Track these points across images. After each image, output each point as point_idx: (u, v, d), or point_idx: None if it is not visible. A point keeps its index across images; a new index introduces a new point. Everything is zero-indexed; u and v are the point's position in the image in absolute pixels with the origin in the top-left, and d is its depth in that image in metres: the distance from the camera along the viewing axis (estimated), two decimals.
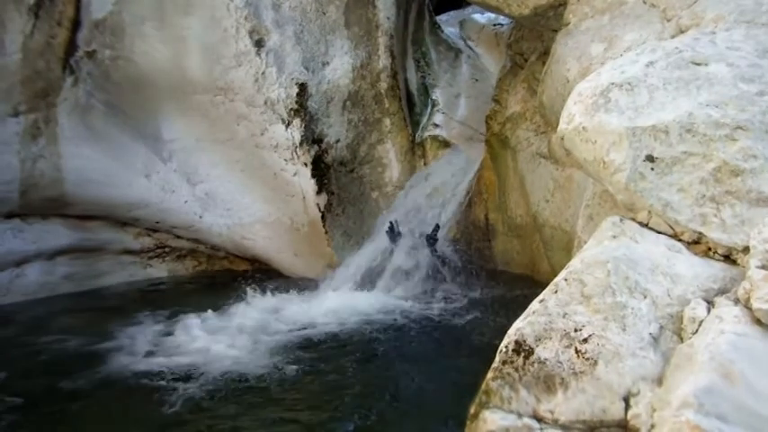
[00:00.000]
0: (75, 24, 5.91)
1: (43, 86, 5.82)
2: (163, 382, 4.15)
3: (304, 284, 6.47)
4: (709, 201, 2.25)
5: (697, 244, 2.25)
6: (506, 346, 2.09)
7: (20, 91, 5.69)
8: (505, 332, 2.19)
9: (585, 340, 1.99)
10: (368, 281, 6.43)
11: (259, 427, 3.63)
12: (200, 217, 6.79)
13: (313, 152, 6.67)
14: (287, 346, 4.85)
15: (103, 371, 4.38)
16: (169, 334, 5.14)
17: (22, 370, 4.50)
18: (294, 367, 4.39)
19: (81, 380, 4.23)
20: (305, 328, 5.25)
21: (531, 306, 2.21)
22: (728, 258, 2.18)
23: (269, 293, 6.01)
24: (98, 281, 6.76)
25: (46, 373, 4.42)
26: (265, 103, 6.40)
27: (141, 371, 4.35)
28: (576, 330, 2.03)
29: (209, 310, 5.55)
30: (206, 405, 3.83)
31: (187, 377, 4.22)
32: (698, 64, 2.62)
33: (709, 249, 2.22)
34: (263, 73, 6.34)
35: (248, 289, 5.92)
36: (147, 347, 4.83)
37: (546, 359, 2.00)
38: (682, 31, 3.37)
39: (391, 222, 6.73)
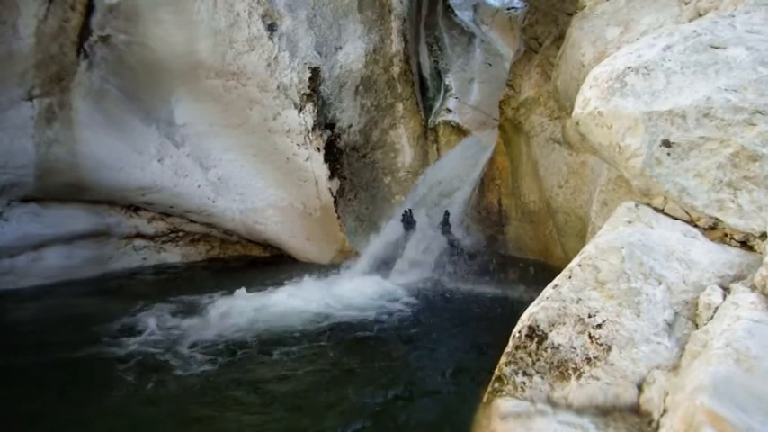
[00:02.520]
0: (89, 9, 5.91)
1: (57, 71, 5.84)
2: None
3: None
4: (727, 186, 2.23)
5: (713, 230, 2.23)
6: (519, 331, 2.09)
7: (33, 75, 5.71)
8: (518, 317, 2.19)
9: (599, 326, 1.98)
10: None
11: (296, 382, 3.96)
12: (213, 201, 6.82)
13: (325, 137, 6.67)
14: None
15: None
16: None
17: (39, 350, 4.56)
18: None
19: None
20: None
21: (544, 291, 2.20)
22: (745, 244, 2.15)
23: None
24: (111, 265, 6.82)
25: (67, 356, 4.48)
26: (278, 87, 6.39)
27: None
28: (589, 316, 2.02)
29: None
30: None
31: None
32: (716, 48, 2.58)
33: (726, 235, 2.20)
34: (275, 57, 6.32)
35: None
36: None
37: (559, 344, 2.00)
38: (700, 15, 3.32)
39: (406, 211, 6.74)
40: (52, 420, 3.47)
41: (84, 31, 5.96)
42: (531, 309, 2.13)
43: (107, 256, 6.80)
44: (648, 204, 2.41)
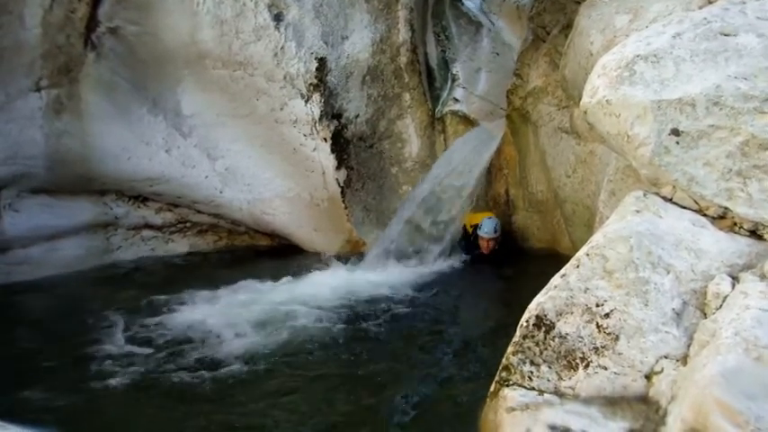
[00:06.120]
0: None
1: (65, 61, 5.84)
2: None
3: None
4: (736, 175, 2.21)
5: (722, 219, 2.22)
6: (527, 321, 2.09)
7: (41, 66, 5.71)
8: (525, 306, 2.19)
9: (607, 315, 1.98)
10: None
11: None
12: (221, 192, 6.83)
13: (332, 127, 6.65)
14: None
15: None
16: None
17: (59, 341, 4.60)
18: None
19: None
20: None
21: (552, 281, 2.20)
22: (754, 233, 2.15)
23: None
24: (120, 255, 6.85)
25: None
26: (285, 77, 6.37)
27: None
28: (597, 305, 2.02)
29: None
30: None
31: None
32: (727, 35, 2.56)
33: (735, 224, 2.19)
34: (282, 47, 6.30)
35: None
36: None
37: (567, 334, 2.01)
38: (710, 2, 3.28)
39: None
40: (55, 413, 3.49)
41: (92, 22, 5.95)
42: (539, 298, 2.14)
43: (115, 246, 6.83)
44: (657, 194, 2.40)
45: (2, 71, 5.53)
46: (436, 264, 6.46)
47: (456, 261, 6.53)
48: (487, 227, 6.41)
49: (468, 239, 6.64)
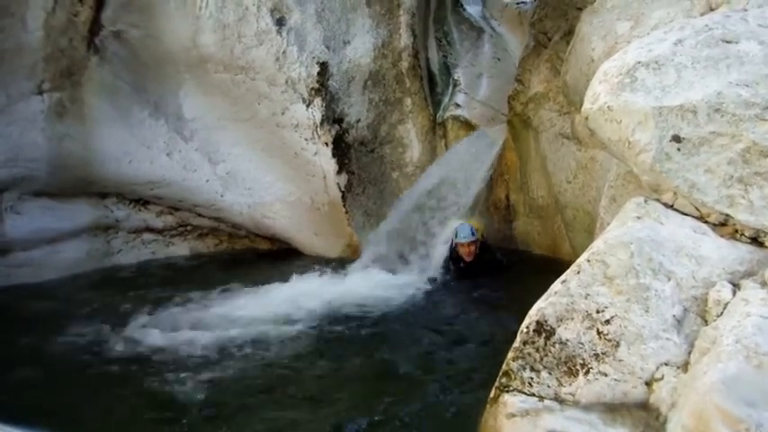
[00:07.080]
0: (100, 3, 5.91)
1: (67, 65, 5.85)
2: None
3: None
4: (737, 182, 2.21)
5: (723, 226, 2.22)
6: (528, 327, 2.09)
7: (43, 68, 5.72)
8: (525, 312, 2.18)
9: (608, 321, 1.98)
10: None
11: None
12: (222, 196, 6.83)
13: (334, 132, 6.65)
14: None
15: None
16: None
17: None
18: None
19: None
20: None
21: (552, 286, 2.20)
22: (756, 241, 2.14)
23: None
24: (120, 258, 6.85)
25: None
26: (286, 82, 6.38)
27: None
28: (598, 311, 2.02)
29: None
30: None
31: None
32: (728, 42, 2.56)
33: (736, 231, 2.19)
34: (284, 52, 6.31)
35: None
36: None
37: (567, 340, 2.00)
38: (712, 9, 3.29)
39: None
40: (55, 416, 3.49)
41: (95, 25, 5.97)
42: (540, 304, 2.13)
43: (116, 249, 6.83)
44: (658, 200, 2.40)
45: (3, 73, 5.55)
46: (432, 268, 6.42)
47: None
48: (463, 231, 5.99)
49: (449, 253, 6.25)
